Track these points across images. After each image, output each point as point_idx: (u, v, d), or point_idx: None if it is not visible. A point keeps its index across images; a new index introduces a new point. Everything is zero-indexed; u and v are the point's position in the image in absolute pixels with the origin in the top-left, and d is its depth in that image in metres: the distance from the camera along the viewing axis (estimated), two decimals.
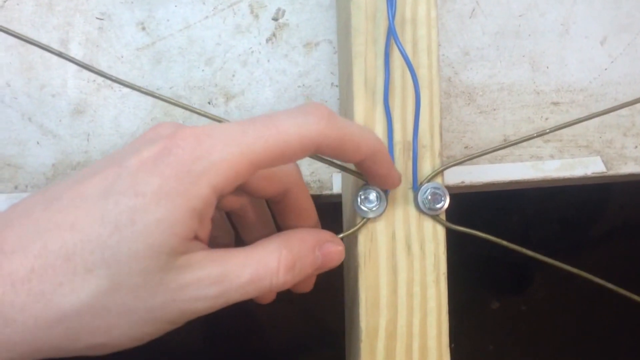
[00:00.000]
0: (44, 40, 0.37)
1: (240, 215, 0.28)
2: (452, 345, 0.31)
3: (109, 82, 0.38)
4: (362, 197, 0.29)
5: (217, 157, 0.22)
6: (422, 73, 0.30)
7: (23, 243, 0.21)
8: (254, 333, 1.03)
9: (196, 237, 0.23)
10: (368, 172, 0.27)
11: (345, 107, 0.32)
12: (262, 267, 0.24)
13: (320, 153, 0.24)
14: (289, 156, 0.23)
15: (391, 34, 0.28)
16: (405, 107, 0.30)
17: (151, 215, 0.21)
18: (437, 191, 0.29)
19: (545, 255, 0.33)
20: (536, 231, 1.03)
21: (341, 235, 0.29)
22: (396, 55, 0.29)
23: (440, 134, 0.30)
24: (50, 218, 0.21)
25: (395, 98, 0.30)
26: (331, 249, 0.26)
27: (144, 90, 0.28)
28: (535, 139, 0.38)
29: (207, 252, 0.23)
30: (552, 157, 0.38)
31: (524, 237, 1.03)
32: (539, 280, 1.13)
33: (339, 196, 0.36)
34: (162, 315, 0.22)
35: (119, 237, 0.21)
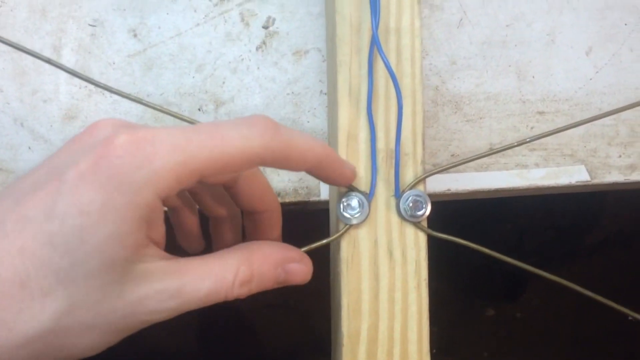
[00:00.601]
0: (37, 46, 0.38)
1: (196, 194, 0.29)
2: (434, 350, 0.31)
3: (100, 88, 0.38)
4: (345, 203, 0.29)
5: (159, 165, 0.21)
6: (406, 82, 0.30)
7: None
8: (248, 337, 1.03)
9: (151, 240, 0.23)
10: (319, 177, 0.27)
11: (331, 114, 0.33)
12: (219, 281, 0.24)
13: (265, 165, 0.24)
14: (232, 167, 0.23)
15: (375, 43, 0.28)
16: (389, 116, 0.30)
17: (100, 232, 0.21)
18: (419, 198, 0.29)
19: (539, 263, 0.33)
20: (530, 239, 1.04)
21: (324, 241, 0.29)
22: (380, 65, 0.30)
23: (423, 142, 0.30)
24: None
25: (379, 106, 0.30)
26: (295, 269, 0.27)
27: (132, 98, 0.28)
28: (522, 147, 0.39)
29: (165, 263, 0.23)
30: (537, 165, 0.39)
31: (517, 245, 1.03)
32: (534, 287, 1.13)
33: (327, 203, 0.37)
34: (123, 326, 0.22)
35: (71, 258, 0.21)
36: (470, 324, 1.15)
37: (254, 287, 0.25)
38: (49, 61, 0.28)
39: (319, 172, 0.26)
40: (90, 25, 0.38)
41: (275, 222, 0.29)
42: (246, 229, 0.30)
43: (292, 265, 0.26)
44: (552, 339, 1.14)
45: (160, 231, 0.23)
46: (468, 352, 1.14)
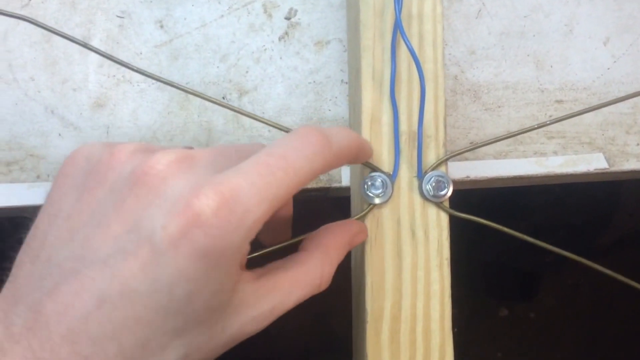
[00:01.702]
0: None
1: None
2: (455, 329, 0.32)
3: (128, 77, 0.39)
4: (369, 183, 0.30)
5: (252, 221, 0.21)
6: (428, 67, 0.31)
7: (97, 347, 0.21)
8: (262, 336, 1.04)
9: (241, 274, 0.24)
10: (351, 163, 0.29)
11: (354, 100, 0.34)
12: (308, 288, 0.26)
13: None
14: (301, 187, 0.24)
15: (398, 28, 0.29)
16: (411, 99, 0.31)
17: (207, 291, 0.21)
18: (441, 179, 0.30)
19: (553, 261, 0.34)
20: (544, 238, 1.03)
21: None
22: (403, 49, 0.31)
23: (445, 125, 0.31)
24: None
25: (402, 90, 0.31)
26: (358, 239, 0.29)
27: (163, 80, 0.29)
28: (540, 135, 0.39)
29: (254, 287, 0.24)
30: (555, 153, 0.39)
31: (531, 244, 1.03)
32: (548, 288, 1.13)
33: (348, 190, 0.38)
34: (224, 349, 0.24)
35: (183, 317, 0.22)
36: (484, 324, 1.15)
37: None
38: (85, 45, 0.29)
39: (354, 161, 0.28)
40: (119, 16, 0.40)
41: (290, 213, 0.30)
42: None
43: (358, 236, 0.29)
44: (566, 339, 1.13)
45: (245, 257, 0.24)
46: (481, 352, 1.14)
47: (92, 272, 0.21)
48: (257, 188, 0.22)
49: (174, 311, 0.21)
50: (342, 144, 0.25)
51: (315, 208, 0.46)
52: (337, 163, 0.26)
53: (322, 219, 0.34)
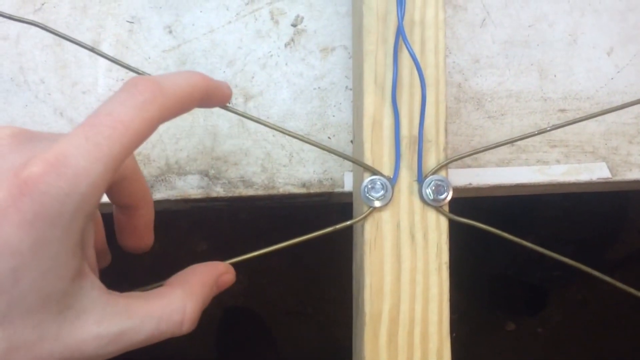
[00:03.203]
0: None
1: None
2: (454, 334, 0.32)
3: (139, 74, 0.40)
4: (369, 186, 0.30)
5: (85, 186, 0.20)
6: (430, 72, 0.31)
7: None
8: (267, 345, 1.04)
9: (87, 262, 0.22)
10: (205, 106, 0.27)
11: (357, 104, 0.34)
12: (165, 323, 0.24)
13: (164, 121, 0.24)
14: (138, 145, 0.22)
15: (400, 34, 0.30)
16: (412, 103, 0.31)
17: (34, 269, 0.20)
18: (441, 183, 0.30)
19: (561, 276, 0.34)
20: (551, 251, 1.03)
21: (348, 222, 0.30)
22: (405, 54, 0.31)
23: (445, 130, 0.31)
24: None
25: (403, 94, 0.31)
26: (225, 280, 0.28)
27: None
28: (543, 144, 0.39)
29: (102, 301, 0.22)
30: (558, 162, 0.40)
31: (539, 257, 1.03)
32: (555, 303, 1.12)
33: (351, 195, 0.38)
34: None
35: (7, 298, 0.20)
36: (490, 338, 1.14)
37: (198, 317, 0.25)
38: (92, 49, 0.29)
39: (205, 104, 0.26)
40: (128, 22, 0.40)
41: (151, 216, 0.29)
42: (119, 221, 0.29)
43: (223, 277, 0.28)
44: (573, 355, 1.12)
45: (92, 253, 0.23)
46: None
47: None
48: (85, 149, 0.20)
49: None
50: (179, 86, 0.24)
51: (319, 213, 0.46)
52: (178, 107, 0.24)
53: (325, 224, 0.34)
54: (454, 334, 0.32)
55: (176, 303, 0.24)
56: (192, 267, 0.27)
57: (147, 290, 0.26)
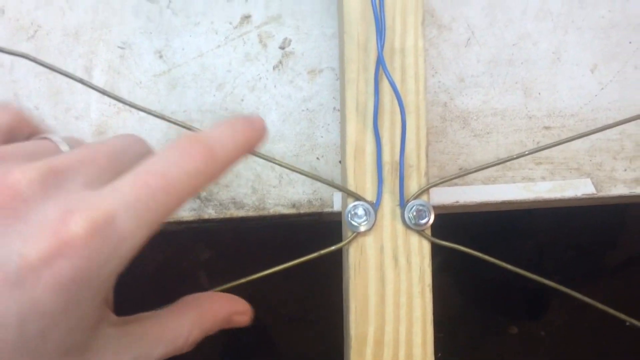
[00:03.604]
0: (70, 67, 0.41)
1: None
2: (439, 354, 0.32)
3: (127, 106, 0.41)
4: (352, 212, 0.31)
5: (126, 250, 0.19)
6: (410, 99, 0.32)
7: None
8: (269, 351, 1.05)
9: (105, 313, 0.22)
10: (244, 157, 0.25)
11: (342, 128, 0.35)
12: (171, 345, 0.24)
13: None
14: (183, 202, 0.22)
15: (380, 63, 0.30)
16: (394, 130, 0.32)
17: (62, 329, 0.19)
18: (422, 208, 0.31)
19: (560, 282, 0.34)
20: (551, 257, 1.03)
21: (333, 247, 0.31)
22: (385, 82, 0.32)
23: (427, 155, 0.32)
24: None
25: (385, 121, 0.32)
26: (238, 320, 0.28)
27: (156, 114, 0.31)
28: (528, 161, 0.40)
29: (117, 332, 0.22)
30: (543, 179, 0.40)
31: (538, 263, 1.03)
32: (558, 307, 1.12)
33: (339, 214, 0.39)
34: None
35: (34, 355, 0.19)
36: (493, 342, 1.14)
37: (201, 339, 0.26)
38: (81, 81, 0.30)
39: (245, 156, 0.25)
40: (120, 47, 0.41)
41: None
42: None
43: (237, 317, 0.28)
44: (577, 358, 1.12)
45: (111, 292, 0.23)
46: None
47: None
48: (135, 212, 0.19)
49: (23, 350, 0.18)
50: (228, 148, 0.23)
51: (311, 232, 0.47)
52: (224, 170, 0.23)
53: (317, 243, 0.35)
54: (439, 354, 0.32)
55: (184, 327, 0.25)
56: (211, 294, 0.28)
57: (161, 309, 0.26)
